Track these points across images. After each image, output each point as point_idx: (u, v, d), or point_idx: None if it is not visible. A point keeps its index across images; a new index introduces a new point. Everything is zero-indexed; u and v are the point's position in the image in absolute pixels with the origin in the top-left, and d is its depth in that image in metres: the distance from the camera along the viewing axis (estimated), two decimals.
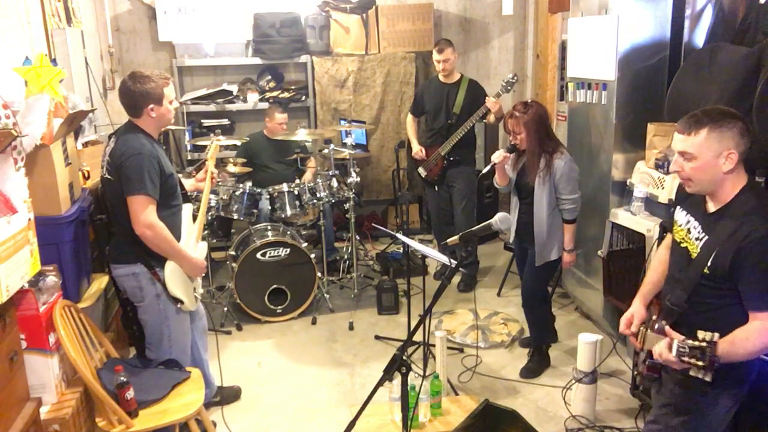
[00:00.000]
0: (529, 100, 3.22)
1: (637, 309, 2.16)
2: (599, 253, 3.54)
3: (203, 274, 2.90)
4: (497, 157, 3.19)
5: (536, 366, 3.49)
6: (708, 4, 3.51)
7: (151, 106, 2.60)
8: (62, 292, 2.57)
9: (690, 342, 1.77)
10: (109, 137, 2.70)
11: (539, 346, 3.52)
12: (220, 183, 4.19)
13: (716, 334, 1.77)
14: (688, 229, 2.00)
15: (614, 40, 3.48)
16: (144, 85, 2.57)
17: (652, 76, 3.55)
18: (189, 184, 3.15)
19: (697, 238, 1.94)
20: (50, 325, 2.38)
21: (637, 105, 3.56)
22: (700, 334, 1.77)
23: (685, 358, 1.76)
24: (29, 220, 2.21)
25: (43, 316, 2.36)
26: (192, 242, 2.82)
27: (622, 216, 3.40)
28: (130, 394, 2.39)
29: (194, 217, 2.91)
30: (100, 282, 3.17)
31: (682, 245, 2.01)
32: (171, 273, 2.66)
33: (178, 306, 2.72)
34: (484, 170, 3.36)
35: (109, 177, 2.60)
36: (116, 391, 2.37)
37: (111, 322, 3.38)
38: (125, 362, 2.63)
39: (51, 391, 2.41)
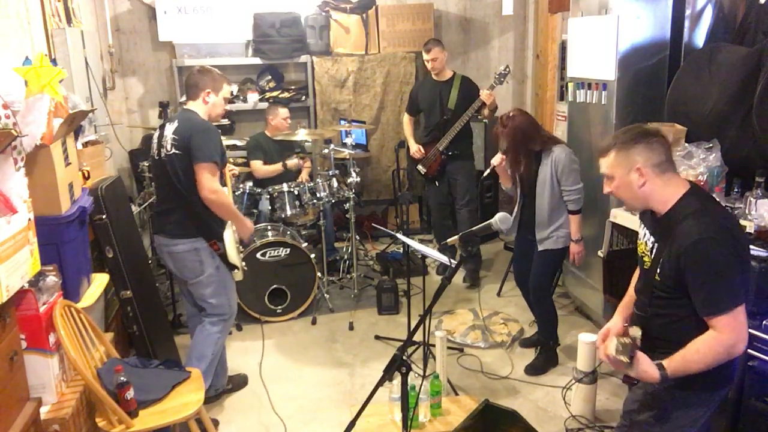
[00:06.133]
0: (511, 113, 3.23)
1: (614, 323, 2.16)
2: (599, 253, 3.54)
3: (252, 234, 3.26)
4: (496, 159, 3.32)
5: (542, 363, 3.49)
6: (708, 4, 3.51)
7: (209, 90, 2.92)
8: (62, 292, 2.56)
9: (622, 339, 1.84)
10: (161, 126, 3.00)
11: (547, 342, 3.51)
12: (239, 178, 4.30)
13: (639, 332, 1.92)
14: (645, 242, 2.05)
15: (614, 40, 3.48)
16: (209, 74, 2.95)
17: (652, 76, 3.56)
18: None
19: (651, 249, 1.99)
20: (50, 325, 2.37)
21: (637, 105, 3.56)
22: (631, 330, 1.86)
23: (614, 355, 1.83)
24: (29, 220, 2.21)
25: (43, 316, 2.36)
26: None
27: (622, 216, 3.40)
28: (130, 394, 2.39)
29: None
30: (100, 282, 3.17)
31: (643, 258, 2.06)
32: (228, 243, 3.00)
33: (233, 272, 3.06)
34: (485, 173, 3.48)
35: (176, 152, 2.83)
36: (116, 391, 2.37)
37: (111, 322, 3.38)
38: (125, 362, 2.62)
39: (51, 391, 2.41)
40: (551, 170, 3.17)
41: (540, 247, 3.29)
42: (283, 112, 4.79)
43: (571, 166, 3.17)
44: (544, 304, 3.45)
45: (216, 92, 2.94)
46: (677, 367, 1.81)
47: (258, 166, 4.65)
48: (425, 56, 4.50)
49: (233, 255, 3.01)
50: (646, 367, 1.83)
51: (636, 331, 1.88)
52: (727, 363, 1.83)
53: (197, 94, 2.92)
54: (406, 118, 4.85)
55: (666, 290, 1.89)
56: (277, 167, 4.65)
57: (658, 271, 1.89)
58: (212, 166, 2.79)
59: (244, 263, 3.19)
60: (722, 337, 1.76)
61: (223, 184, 3.10)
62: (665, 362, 1.82)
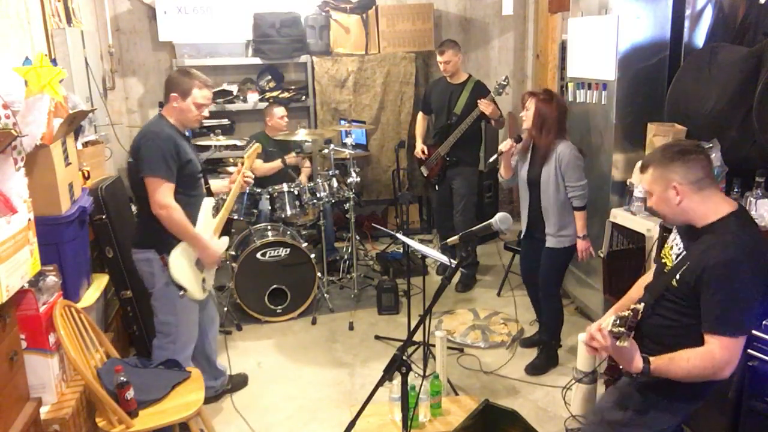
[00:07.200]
0: (554, 91, 3.26)
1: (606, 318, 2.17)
2: (599, 253, 3.54)
3: (218, 264, 2.96)
4: (505, 145, 3.30)
5: (543, 363, 3.49)
6: (708, 4, 3.51)
7: (175, 95, 2.74)
8: (62, 292, 2.57)
9: (621, 313, 1.83)
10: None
11: (549, 341, 3.52)
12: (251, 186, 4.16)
13: (642, 304, 1.87)
14: (671, 246, 2.06)
15: (614, 40, 3.48)
16: (182, 75, 2.76)
17: (652, 76, 3.56)
18: (222, 185, 3.22)
19: (676, 254, 2.00)
20: (50, 325, 2.38)
21: (637, 105, 3.57)
22: (633, 305, 1.85)
23: (609, 329, 1.82)
24: (29, 220, 2.21)
25: (43, 316, 2.36)
26: (208, 235, 2.87)
27: (622, 216, 3.40)
28: (130, 394, 2.39)
29: (215, 214, 2.99)
30: (100, 282, 3.17)
31: (663, 260, 2.07)
32: (176, 259, 2.73)
33: (181, 293, 2.76)
34: (492, 158, 3.46)
35: (131, 160, 2.72)
36: (116, 391, 2.37)
37: (111, 322, 3.38)
38: (125, 362, 2.63)
39: (51, 391, 2.41)
40: (555, 166, 3.17)
41: (547, 244, 3.29)
42: (279, 111, 4.79)
43: (575, 162, 3.16)
44: (552, 301, 3.44)
45: (183, 97, 2.73)
46: (661, 366, 1.83)
47: (258, 165, 4.65)
48: (438, 58, 4.44)
49: (177, 273, 2.73)
50: (634, 353, 1.85)
51: (638, 305, 1.87)
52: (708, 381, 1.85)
53: (166, 98, 2.77)
54: (420, 117, 4.82)
55: (678, 297, 1.91)
56: (277, 164, 4.64)
57: (678, 276, 1.90)
58: (158, 180, 2.60)
59: (206, 284, 2.92)
60: (717, 356, 1.78)
61: (210, 194, 2.98)
62: (652, 358, 1.85)
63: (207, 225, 2.89)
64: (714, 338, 1.80)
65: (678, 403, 1.97)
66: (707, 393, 1.97)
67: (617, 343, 1.79)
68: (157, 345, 2.85)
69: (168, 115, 2.78)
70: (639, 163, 2.07)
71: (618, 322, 1.80)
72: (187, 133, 2.80)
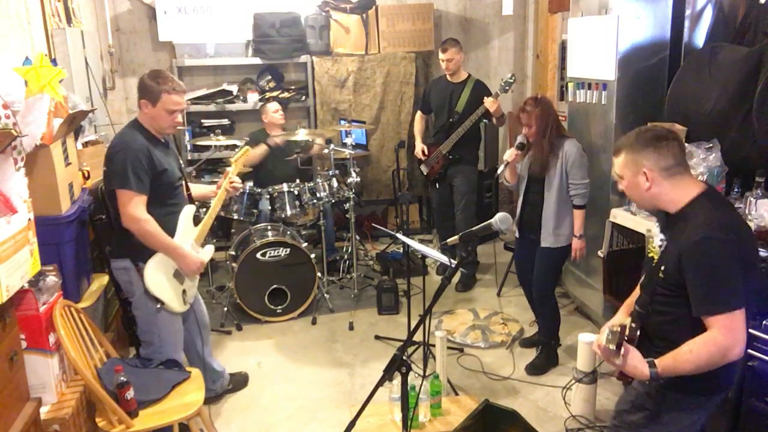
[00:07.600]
0: (538, 96, 3.28)
1: (618, 319, 2.15)
2: (599, 253, 3.55)
3: (200, 272, 2.86)
4: (509, 155, 3.29)
5: (543, 363, 3.49)
6: (708, 4, 3.51)
7: (144, 101, 2.63)
8: (62, 292, 2.56)
9: (613, 328, 1.83)
10: None
11: (548, 342, 3.52)
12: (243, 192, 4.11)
13: (629, 319, 1.92)
14: (655, 238, 2.07)
15: (614, 40, 3.48)
16: (151, 80, 2.62)
17: (652, 76, 3.56)
18: (209, 190, 3.12)
19: (660, 246, 2.01)
20: (50, 325, 2.38)
21: (637, 105, 3.57)
22: (622, 319, 1.86)
23: (604, 344, 1.82)
24: (29, 220, 2.21)
25: (43, 316, 2.36)
26: (188, 244, 2.77)
27: (622, 216, 3.40)
28: (130, 394, 2.39)
29: (198, 221, 2.89)
30: (100, 282, 3.17)
31: (650, 255, 2.07)
32: (151, 271, 2.64)
33: (158, 306, 2.68)
34: (499, 171, 3.40)
35: (104, 168, 2.65)
36: (116, 391, 2.37)
37: (111, 322, 3.38)
38: (125, 362, 2.63)
39: (51, 391, 2.41)
40: (561, 164, 3.18)
41: (542, 244, 3.30)
42: (271, 106, 4.78)
43: (581, 160, 3.19)
44: (547, 303, 3.45)
45: (153, 103, 2.61)
46: (668, 365, 1.79)
47: (251, 154, 4.61)
48: (441, 55, 4.45)
49: (153, 285, 2.64)
50: (636, 362, 1.81)
51: (625, 320, 1.86)
52: (724, 366, 1.79)
53: (138, 103, 2.67)
54: (418, 116, 4.84)
55: (668, 287, 1.89)
56: (262, 148, 4.57)
57: (663, 267, 1.89)
58: (129, 193, 2.52)
59: (187, 295, 2.82)
60: (718, 338, 1.74)
61: (191, 201, 2.90)
62: (657, 360, 1.81)
63: (187, 233, 2.79)
64: (709, 320, 1.76)
65: (699, 397, 1.91)
66: (723, 385, 1.92)
67: (614, 358, 1.79)
68: (144, 355, 2.81)
69: (142, 121, 2.68)
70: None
71: (610, 337, 1.80)
72: (187, 135, 2.73)
